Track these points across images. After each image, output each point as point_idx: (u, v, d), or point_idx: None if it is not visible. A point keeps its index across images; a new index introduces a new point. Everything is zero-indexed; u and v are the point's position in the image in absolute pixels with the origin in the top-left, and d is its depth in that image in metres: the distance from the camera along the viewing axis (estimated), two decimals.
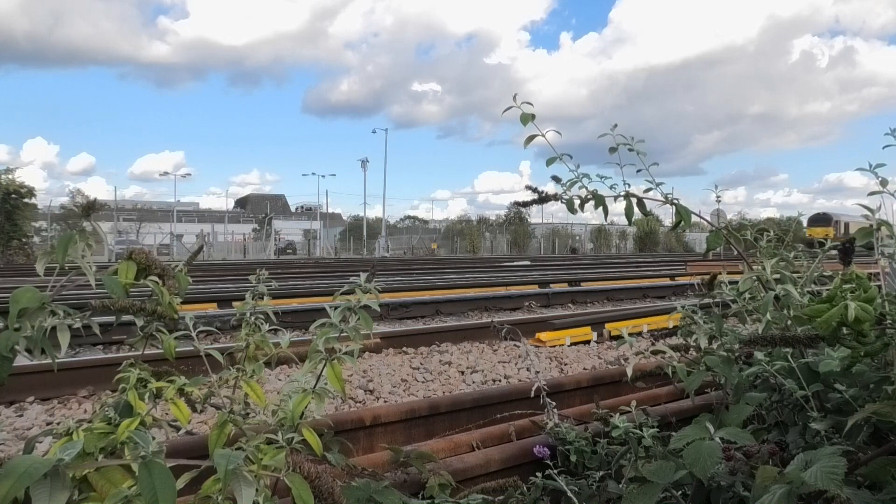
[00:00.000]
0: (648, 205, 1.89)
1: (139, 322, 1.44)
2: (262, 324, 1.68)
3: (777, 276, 1.93)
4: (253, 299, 1.72)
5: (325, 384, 1.44)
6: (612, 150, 1.84)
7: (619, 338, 2.02)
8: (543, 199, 1.86)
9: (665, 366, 1.93)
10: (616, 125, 1.84)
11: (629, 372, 1.90)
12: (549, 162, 1.84)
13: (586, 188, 1.83)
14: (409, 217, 72.78)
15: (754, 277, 1.93)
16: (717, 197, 2.42)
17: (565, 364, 6.13)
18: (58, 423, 1.24)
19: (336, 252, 53.15)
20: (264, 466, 1.07)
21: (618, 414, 2.12)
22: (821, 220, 45.98)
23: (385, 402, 4.68)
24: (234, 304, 8.52)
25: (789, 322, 1.83)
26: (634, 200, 1.86)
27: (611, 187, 1.87)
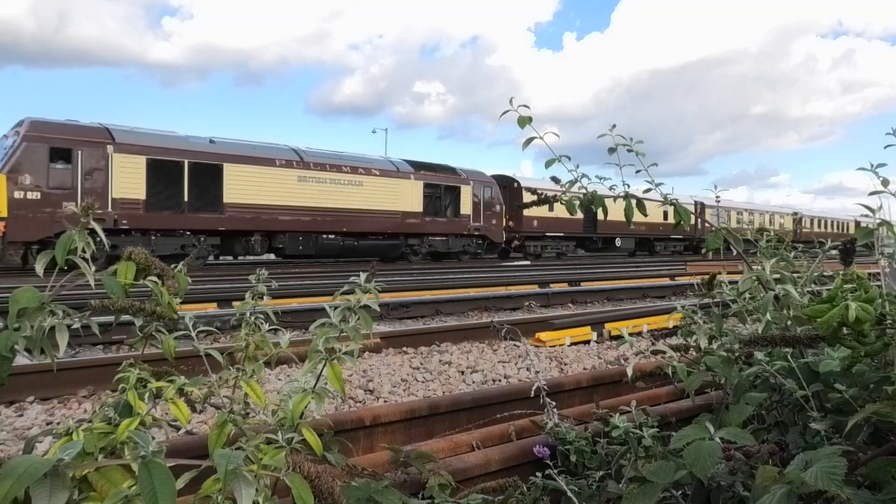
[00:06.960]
0: (648, 205, 1.90)
1: (139, 322, 1.44)
2: (261, 324, 1.68)
3: (777, 276, 1.93)
4: (253, 299, 1.72)
5: (325, 384, 1.44)
6: (611, 150, 1.85)
7: (619, 338, 2.02)
8: (543, 200, 1.86)
9: (665, 366, 1.93)
10: (615, 125, 1.84)
11: (629, 372, 1.90)
12: (549, 164, 1.84)
13: (585, 189, 1.83)
14: None
15: (754, 277, 1.93)
16: (717, 197, 2.42)
17: (565, 364, 6.13)
18: (58, 423, 1.24)
19: None
20: (264, 466, 1.07)
21: (618, 414, 2.11)
22: None
23: (385, 401, 4.68)
24: (234, 303, 8.52)
25: (789, 322, 1.83)
26: (634, 201, 1.86)
27: (610, 188, 1.87)
